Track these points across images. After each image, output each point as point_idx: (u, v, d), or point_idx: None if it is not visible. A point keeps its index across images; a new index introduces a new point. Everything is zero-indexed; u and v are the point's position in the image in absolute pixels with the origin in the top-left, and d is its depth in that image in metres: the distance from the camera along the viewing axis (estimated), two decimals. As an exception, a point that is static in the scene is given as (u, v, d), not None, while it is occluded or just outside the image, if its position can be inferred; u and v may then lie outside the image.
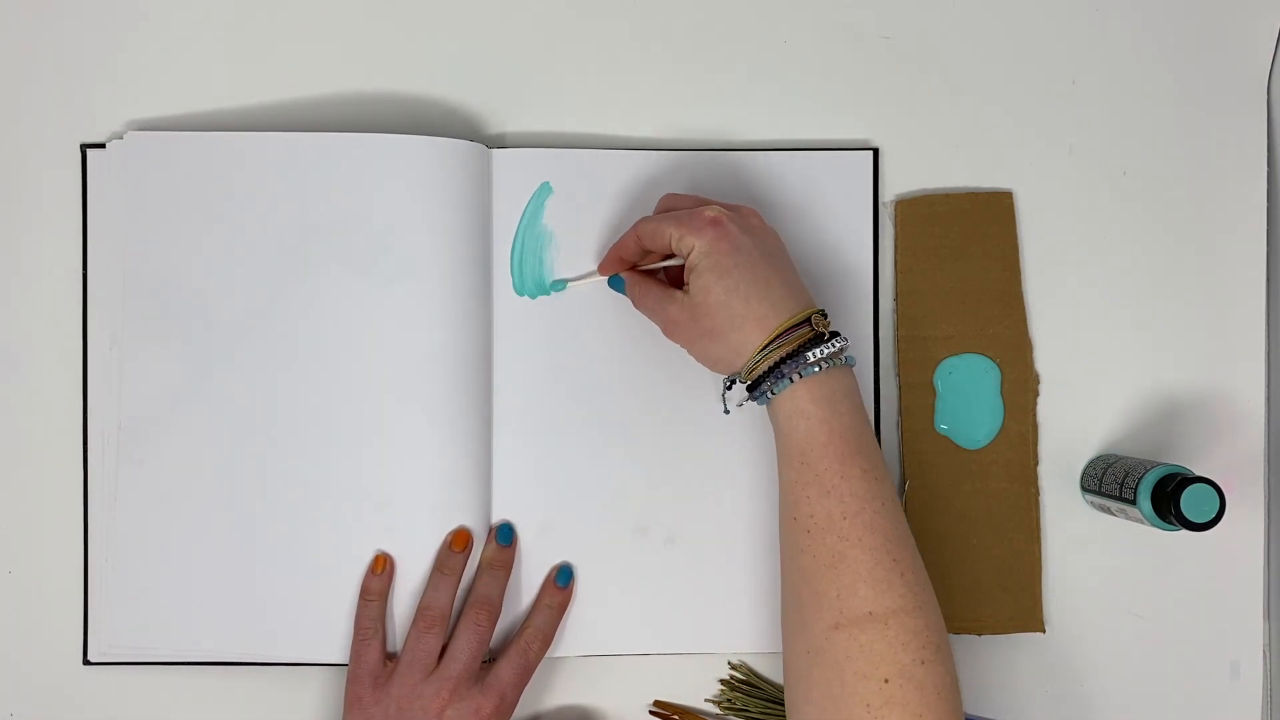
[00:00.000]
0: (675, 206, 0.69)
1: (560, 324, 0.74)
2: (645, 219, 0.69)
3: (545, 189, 0.74)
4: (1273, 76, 0.76)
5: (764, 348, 0.64)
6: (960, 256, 0.75)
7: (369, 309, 0.71)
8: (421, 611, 0.70)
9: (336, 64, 0.75)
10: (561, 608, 0.72)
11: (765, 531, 0.74)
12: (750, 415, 0.74)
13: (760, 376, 0.65)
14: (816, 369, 0.64)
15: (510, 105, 0.75)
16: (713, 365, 0.67)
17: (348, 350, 0.71)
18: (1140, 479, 0.69)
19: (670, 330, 0.69)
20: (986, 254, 0.75)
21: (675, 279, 0.71)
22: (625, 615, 0.73)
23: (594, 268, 0.74)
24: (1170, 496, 0.66)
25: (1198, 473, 0.68)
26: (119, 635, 0.71)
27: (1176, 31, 0.77)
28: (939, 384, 0.75)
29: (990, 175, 0.76)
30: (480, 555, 0.72)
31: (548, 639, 0.71)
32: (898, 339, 0.75)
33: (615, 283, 0.73)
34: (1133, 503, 0.69)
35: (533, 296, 0.74)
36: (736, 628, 0.74)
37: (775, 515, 0.74)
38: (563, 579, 0.73)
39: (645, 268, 0.71)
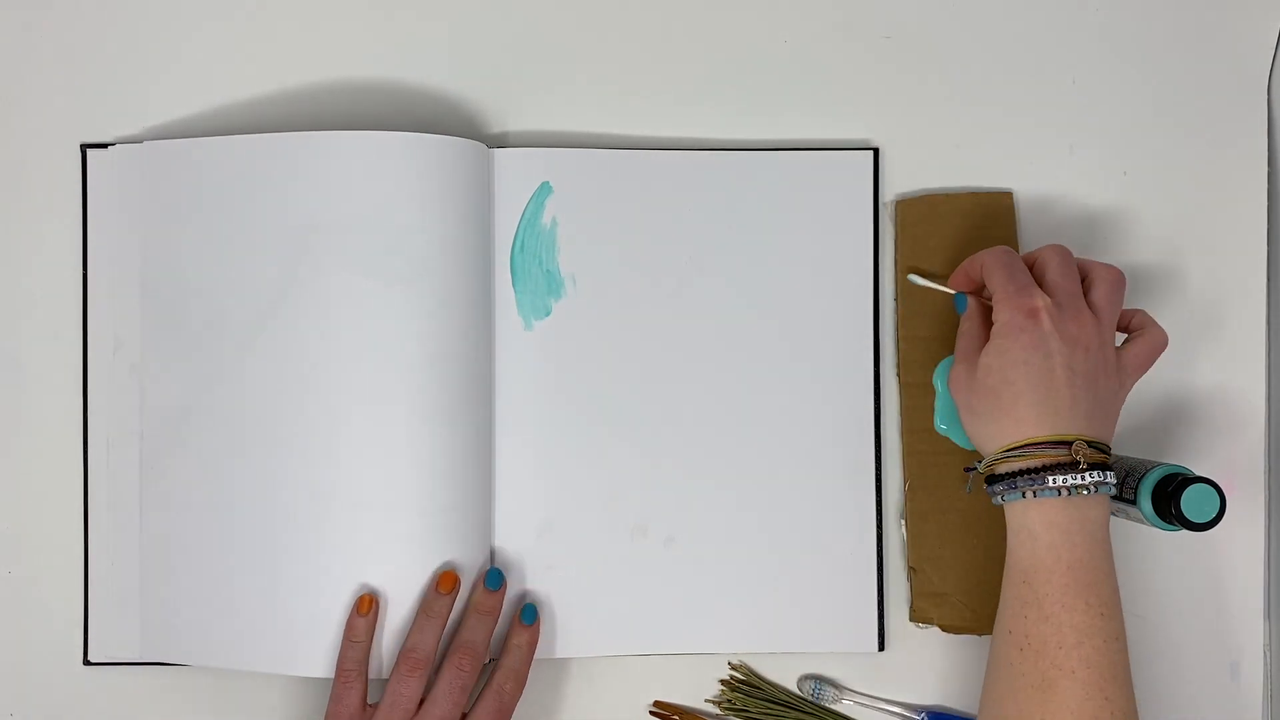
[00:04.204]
0: (1015, 266, 0.66)
1: (561, 323, 0.74)
2: (995, 255, 0.67)
3: (545, 189, 0.74)
4: (1273, 76, 0.76)
5: (1007, 450, 0.63)
6: (960, 256, 0.75)
7: (368, 308, 0.71)
8: (405, 654, 0.68)
9: (337, 62, 0.75)
10: (531, 645, 0.71)
11: (765, 532, 0.74)
12: (749, 411, 0.74)
13: (995, 478, 0.64)
14: (1054, 494, 0.62)
15: (511, 104, 0.75)
16: (970, 438, 0.67)
17: (347, 351, 0.71)
18: (1140, 479, 0.69)
19: (952, 383, 0.68)
20: (986, 254, 0.75)
21: None
22: (625, 615, 0.73)
23: (594, 267, 0.74)
24: (1170, 496, 0.66)
25: (1198, 473, 0.68)
26: (119, 635, 0.71)
27: (1176, 31, 0.77)
28: (939, 384, 0.75)
29: (990, 175, 0.76)
30: (468, 599, 0.71)
31: (521, 678, 0.70)
32: (898, 339, 0.75)
33: (959, 299, 0.71)
34: (1133, 503, 0.69)
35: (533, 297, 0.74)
36: (736, 628, 0.74)
37: (775, 515, 0.74)
38: (527, 616, 0.71)
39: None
